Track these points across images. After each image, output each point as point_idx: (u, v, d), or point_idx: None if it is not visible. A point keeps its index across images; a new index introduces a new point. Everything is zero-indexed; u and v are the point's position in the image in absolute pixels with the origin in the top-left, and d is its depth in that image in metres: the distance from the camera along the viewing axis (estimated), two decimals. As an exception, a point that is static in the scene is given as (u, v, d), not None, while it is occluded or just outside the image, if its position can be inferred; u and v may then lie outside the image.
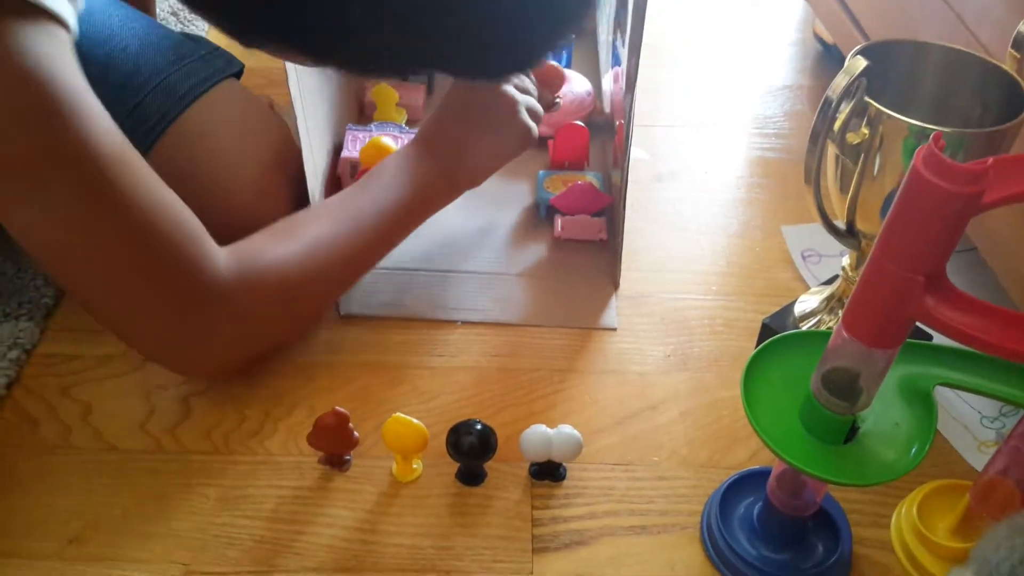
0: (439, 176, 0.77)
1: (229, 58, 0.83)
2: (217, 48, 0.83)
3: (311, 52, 0.51)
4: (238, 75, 0.83)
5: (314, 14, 0.46)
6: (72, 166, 0.56)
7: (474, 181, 0.80)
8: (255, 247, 0.66)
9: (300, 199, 0.82)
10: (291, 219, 0.70)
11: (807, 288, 0.83)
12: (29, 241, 0.59)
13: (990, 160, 0.41)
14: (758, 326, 0.77)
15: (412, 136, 0.91)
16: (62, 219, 0.57)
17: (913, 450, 0.51)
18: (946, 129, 0.57)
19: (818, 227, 0.68)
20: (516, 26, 0.50)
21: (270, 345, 0.72)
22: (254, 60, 0.60)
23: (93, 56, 0.75)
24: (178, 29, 1.13)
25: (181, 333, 0.63)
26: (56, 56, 0.55)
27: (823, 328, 0.72)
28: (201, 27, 1.15)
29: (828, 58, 1.20)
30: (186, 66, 0.78)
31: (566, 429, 0.64)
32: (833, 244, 0.71)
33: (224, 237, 0.80)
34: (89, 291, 0.62)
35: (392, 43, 0.49)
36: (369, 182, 0.74)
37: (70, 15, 0.57)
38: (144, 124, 0.76)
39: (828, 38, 1.16)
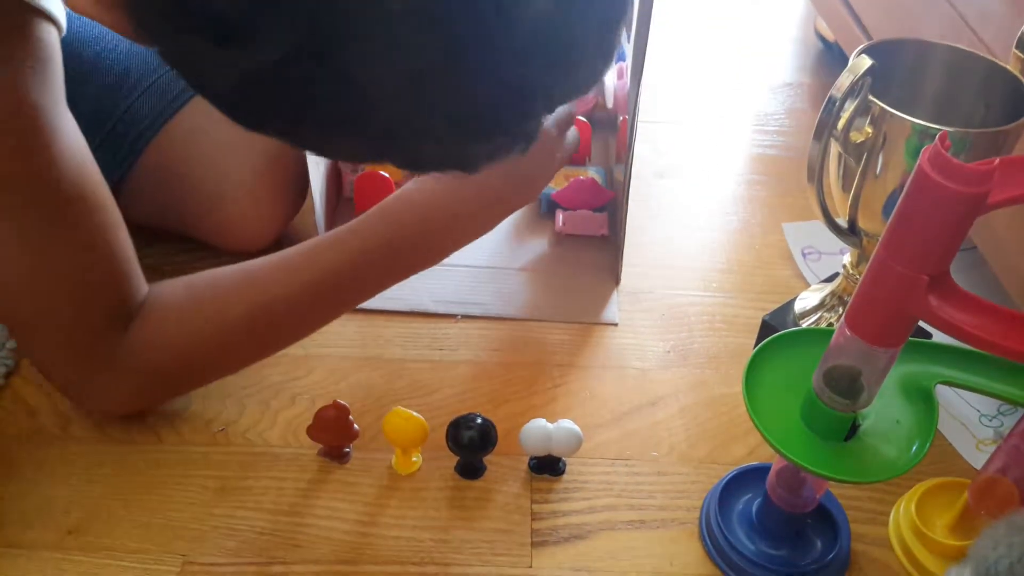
0: (404, 240, 0.65)
1: None
2: None
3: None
4: None
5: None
6: (23, 189, 0.55)
7: (456, 246, 0.68)
8: (169, 313, 0.62)
9: (296, 199, 0.82)
10: (216, 283, 0.63)
11: (807, 285, 0.83)
12: None
13: (996, 160, 0.41)
14: (758, 323, 0.77)
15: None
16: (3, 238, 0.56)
17: (914, 448, 0.52)
18: (950, 129, 0.57)
19: (818, 224, 0.68)
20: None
21: (177, 396, 0.69)
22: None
23: (82, 55, 0.75)
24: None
25: (82, 379, 0.63)
26: (39, 71, 0.54)
27: (823, 325, 0.72)
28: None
29: (829, 56, 1.20)
30: None
31: (566, 424, 0.64)
32: (833, 242, 0.71)
33: (218, 240, 0.80)
34: (7, 316, 0.62)
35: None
36: (319, 251, 0.64)
37: (61, 12, 0.56)
38: (135, 127, 0.75)
39: (829, 36, 1.16)
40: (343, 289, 0.65)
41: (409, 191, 0.65)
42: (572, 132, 0.73)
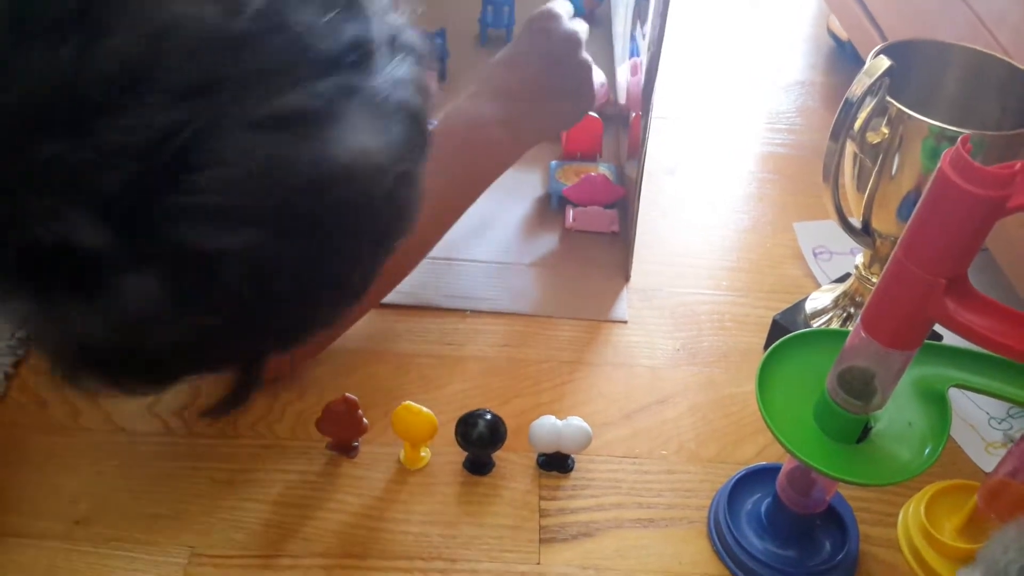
0: (501, 123, 0.72)
1: None
2: None
3: None
4: None
5: None
6: None
7: (538, 137, 0.77)
8: None
9: None
10: None
11: (817, 285, 0.83)
12: None
13: (1017, 164, 0.41)
14: (767, 322, 0.77)
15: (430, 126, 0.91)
16: None
17: (926, 451, 0.51)
18: (967, 131, 0.56)
19: (829, 224, 0.68)
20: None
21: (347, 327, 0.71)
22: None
23: None
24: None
25: None
26: None
27: (835, 326, 0.72)
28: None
29: (841, 54, 1.19)
30: None
31: (575, 421, 0.64)
32: (844, 241, 0.71)
33: None
34: None
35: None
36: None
37: None
38: None
39: (842, 34, 1.16)
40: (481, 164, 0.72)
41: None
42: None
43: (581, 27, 0.78)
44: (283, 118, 0.36)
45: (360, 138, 0.39)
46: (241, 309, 0.38)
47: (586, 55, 0.78)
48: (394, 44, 0.43)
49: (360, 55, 0.39)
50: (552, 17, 0.77)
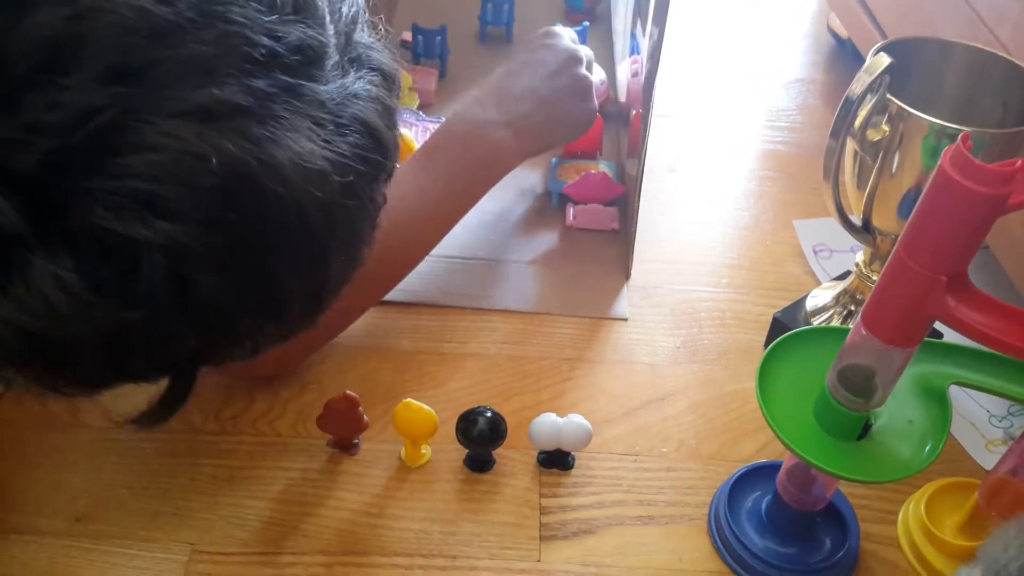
0: (504, 126, 0.75)
1: None
2: None
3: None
4: None
5: None
6: None
7: (539, 145, 0.79)
8: None
9: None
10: None
11: (818, 283, 0.83)
12: None
13: (1018, 161, 0.41)
14: (768, 320, 0.77)
15: (431, 123, 0.91)
16: None
17: (927, 448, 0.51)
18: (968, 129, 0.57)
19: (829, 221, 0.68)
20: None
21: (341, 330, 0.72)
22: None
23: None
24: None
25: None
26: None
27: (835, 324, 0.72)
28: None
29: (842, 52, 1.19)
30: None
31: (576, 418, 0.64)
32: (844, 239, 0.71)
33: None
34: None
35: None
36: (432, 148, 0.72)
37: None
38: None
39: (842, 32, 1.15)
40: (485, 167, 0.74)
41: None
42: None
43: (584, 50, 0.81)
44: (210, 109, 0.35)
45: (297, 140, 0.37)
46: (161, 303, 0.37)
47: (585, 71, 0.79)
48: (358, 61, 0.42)
49: (306, 58, 0.38)
50: (552, 35, 0.80)
